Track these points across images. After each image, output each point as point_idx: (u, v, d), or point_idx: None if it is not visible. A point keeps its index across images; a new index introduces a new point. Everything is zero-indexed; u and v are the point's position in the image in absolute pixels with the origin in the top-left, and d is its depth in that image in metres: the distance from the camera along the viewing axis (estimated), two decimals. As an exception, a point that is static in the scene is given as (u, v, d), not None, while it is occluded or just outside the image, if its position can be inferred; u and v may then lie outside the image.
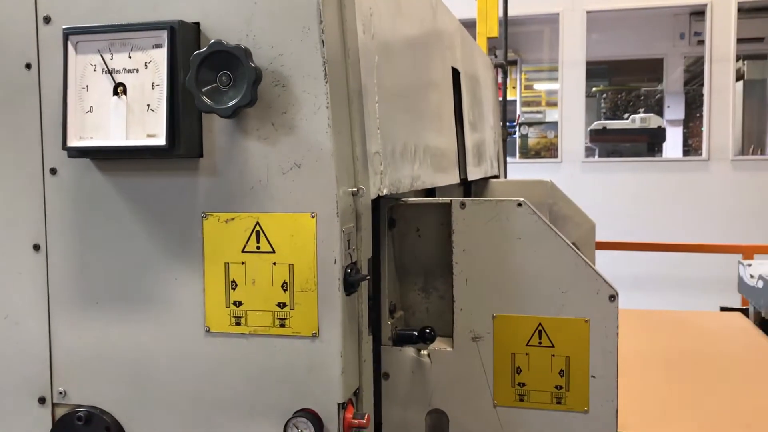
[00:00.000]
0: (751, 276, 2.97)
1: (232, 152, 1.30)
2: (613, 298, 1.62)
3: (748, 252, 4.56)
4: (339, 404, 1.27)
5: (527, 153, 8.50)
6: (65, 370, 1.41)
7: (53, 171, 1.39)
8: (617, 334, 1.62)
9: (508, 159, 4.90)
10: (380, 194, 1.52)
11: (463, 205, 1.72)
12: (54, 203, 1.40)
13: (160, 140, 1.25)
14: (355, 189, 1.33)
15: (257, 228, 1.29)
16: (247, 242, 1.30)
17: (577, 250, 1.65)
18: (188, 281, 1.34)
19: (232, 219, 1.30)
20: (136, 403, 1.38)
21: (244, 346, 1.32)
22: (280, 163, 1.28)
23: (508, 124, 5.09)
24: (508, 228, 1.68)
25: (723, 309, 3.35)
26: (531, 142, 8.42)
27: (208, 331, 1.33)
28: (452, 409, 1.73)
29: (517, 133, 8.57)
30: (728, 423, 1.83)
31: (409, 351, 1.76)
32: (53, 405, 1.43)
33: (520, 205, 1.68)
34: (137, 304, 1.37)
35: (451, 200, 1.73)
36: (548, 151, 8.31)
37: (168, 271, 1.35)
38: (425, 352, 1.75)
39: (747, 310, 3.24)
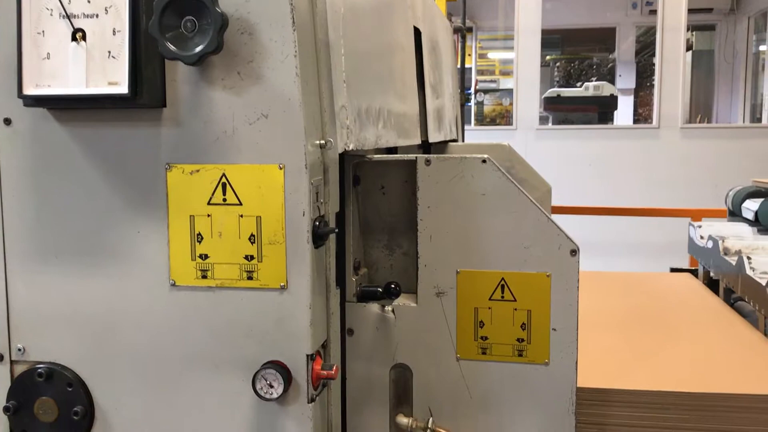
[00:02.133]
0: (701, 237, 3.06)
1: (197, 102, 1.27)
2: (574, 252, 1.66)
3: (696, 215, 4.70)
4: (308, 356, 1.28)
5: (482, 120, 8.56)
6: (24, 326, 1.38)
7: (7, 121, 1.34)
8: (578, 288, 1.66)
9: (465, 126, 4.91)
10: (346, 149, 1.51)
11: (428, 162, 1.72)
12: (8, 155, 1.35)
13: (123, 88, 1.21)
14: (323, 141, 1.32)
15: (223, 180, 1.27)
16: (212, 194, 1.28)
17: (539, 207, 1.68)
18: (152, 234, 1.31)
19: (197, 171, 1.28)
20: (99, 358, 1.35)
21: (210, 299, 1.30)
22: (246, 114, 1.25)
23: (466, 91, 5.09)
24: (473, 184, 1.69)
25: (673, 270, 3.46)
26: (486, 109, 8.47)
27: (173, 285, 1.31)
28: (416, 364, 1.75)
29: (473, 100, 8.60)
30: (681, 375, 1.89)
31: (374, 307, 1.76)
32: (12, 362, 1.39)
33: (484, 161, 1.70)
34: (99, 258, 1.33)
35: (416, 157, 1.73)
36: (503, 118, 8.38)
37: (131, 224, 1.32)
38: (389, 308, 1.76)
39: (696, 270, 3.35)
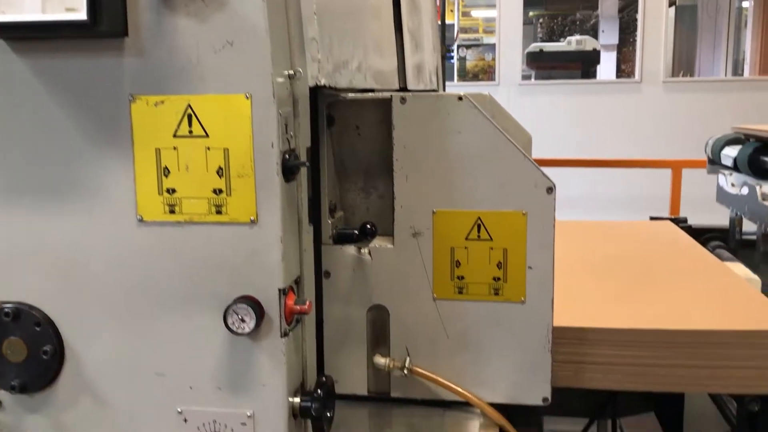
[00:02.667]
0: (733, 185, 3.07)
1: (160, 30, 1.22)
2: (550, 190, 1.64)
3: (677, 166, 4.73)
4: (280, 290, 1.26)
5: (465, 76, 8.49)
6: (-12, 266, 1.35)
7: (-37, 54, 1.29)
8: (554, 225, 1.65)
9: (447, 83, 4.85)
10: (318, 83, 1.47)
11: (403, 100, 1.69)
12: (-35, 89, 1.30)
13: (81, 14, 1.16)
14: (291, 71, 1.28)
15: (189, 111, 1.23)
16: (178, 126, 1.24)
17: (516, 144, 1.66)
18: (117, 169, 1.27)
19: (162, 102, 1.24)
20: (66, 297, 1.33)
21: (179, 234, 1.27)
22: (211, 42, 1.21)
23: (447, 46, 5.01)
24: (449, 123, 1.67)
25: (653, 218, 3.47)
26: (469, 64, 8.39)
27: (140, 221, 1.28)
28: (393, 305, 1.74)
29: (455, 55, 8.53)
30: (658, 314, 1.90)
31: (350, 249, 1.75)
32: (-23, 303, 1.36)
33: (460, 98, 1.67)
34: (62, 195, 1.30)
35: (391, 95, 1.70)
36: (486, 73, 8.32)
37: (95, 158, 1.28)
38: (366, 250, 1.75)
39: (677, 219, 3.35)
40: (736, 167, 3.09)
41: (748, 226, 3.14)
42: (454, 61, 8.43)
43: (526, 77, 8.48)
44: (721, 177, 3.29)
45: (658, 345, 1.77)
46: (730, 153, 3.15)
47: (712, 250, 3.03)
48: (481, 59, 8.16)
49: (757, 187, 2.77)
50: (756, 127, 3.07)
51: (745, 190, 2.93)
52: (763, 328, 1.73)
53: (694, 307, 1.97)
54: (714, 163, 3.42)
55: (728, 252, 3.11)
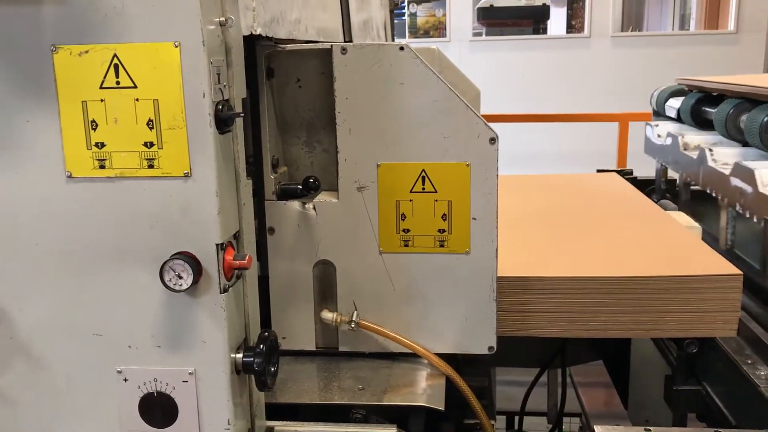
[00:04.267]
0: (659, 135, 3.10)
1: (80, -25, 1.16)
2: (493, 140, 1.64)
3: (624, 119, 4.78)
4: (218, 245, 1.23)
5: (416, 32, 8.41)
6: None
7: None
8: (497, 176, 1.65)
9: (398, 40, 4.79)
10: (253, 32, 1.43)
11: (344, 50, 1.65)
12: None
13: (-7, -42, 1.10)
14: (222, 18, 1.23)
15: (115, 61, 1.18)
16: (105, 77, 1.19)
17: (458, 95, 1.64)
18: (43, 123, 1.22)
19: (86, 52, 1.18)
20: (-4, 258, 1.28)
21: (110, 190, 1.23)
22: (136, -13, 1.16)
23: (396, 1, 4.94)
24: (391, 73, 1.64)
25: (599, 171, 3.52)
26: (420, 21, 8.30)
27: (69, 177, 1.23)
28: (339, 259, 1.73)
29: (406, 11, 8.43)
30: (599, 262, 1.93)
31: (294, 205, 1.73)
32: None
33: (402, 48, 1.64)
34: (-14, 152, 1.24)
35: (331, 45, 1.66)
36: (437, 30, 8.26)
37: (18, 112, 1.22)
38: (310, 205, 1.73)
39: (622, 171, 3.41)
40: (679, 118, 3.13)
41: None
42: (405, 17, 8.34)
43: (477, 34, 8.45)
44: (648, 128, 3.34)
45: (600, 292, 1.80)
46: (674, 104, 3.19)
47: (657, 201, 3.09)
48: (432, 15, 8.08)
49: (680, 138, 2.82)
50: (699, 78, 3.11)
51: (669, 141, 2.97)
52: (700, 273, 1.77)
53: (636, 255, 2.00)
54: (659, 115, 3.47)
55: (672, 202, 3.17)
